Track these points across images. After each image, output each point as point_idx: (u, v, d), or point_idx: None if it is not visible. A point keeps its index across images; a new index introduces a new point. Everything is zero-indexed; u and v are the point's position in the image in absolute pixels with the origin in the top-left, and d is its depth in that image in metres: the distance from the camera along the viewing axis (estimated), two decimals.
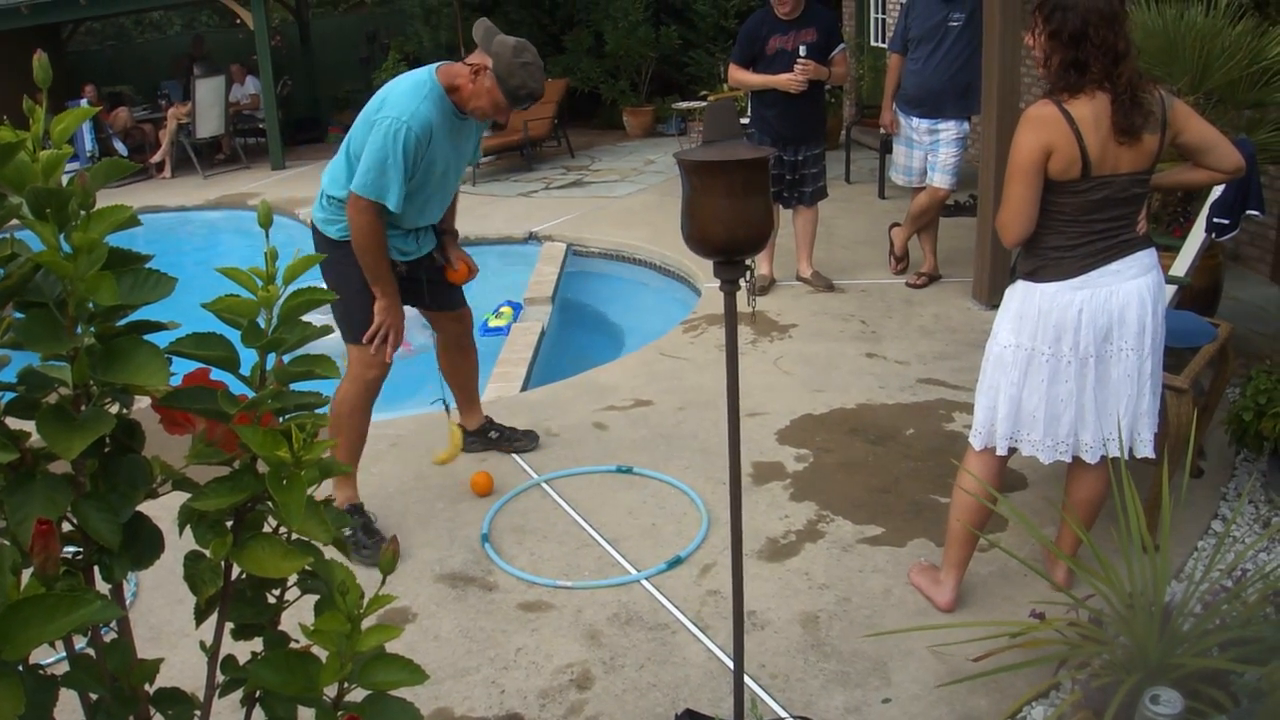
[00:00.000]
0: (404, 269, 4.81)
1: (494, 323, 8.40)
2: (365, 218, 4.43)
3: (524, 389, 6.77)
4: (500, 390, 6.70)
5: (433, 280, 5.05)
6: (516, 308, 8.53)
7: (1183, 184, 3.92)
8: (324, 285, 4.48)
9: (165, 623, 4.25)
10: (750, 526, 4.69)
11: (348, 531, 4.55)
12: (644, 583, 4.39)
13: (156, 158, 16.68)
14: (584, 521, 4.90)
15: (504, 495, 5.16)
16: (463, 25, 16.84)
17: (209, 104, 16.52)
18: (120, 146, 16.67)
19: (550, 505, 5.09)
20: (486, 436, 5.65)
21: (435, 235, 5.01)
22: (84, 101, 15.53)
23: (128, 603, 4.30)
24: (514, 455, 5.58)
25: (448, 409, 5.39)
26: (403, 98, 4.41)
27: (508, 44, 4.44)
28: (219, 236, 13.40)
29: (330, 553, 1.75)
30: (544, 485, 5.28)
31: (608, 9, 17.20)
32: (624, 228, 10.62)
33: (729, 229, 2.72)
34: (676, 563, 4.50)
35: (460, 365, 5.46)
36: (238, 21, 17.90)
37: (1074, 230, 3.52)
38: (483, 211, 12.01)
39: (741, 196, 2.69)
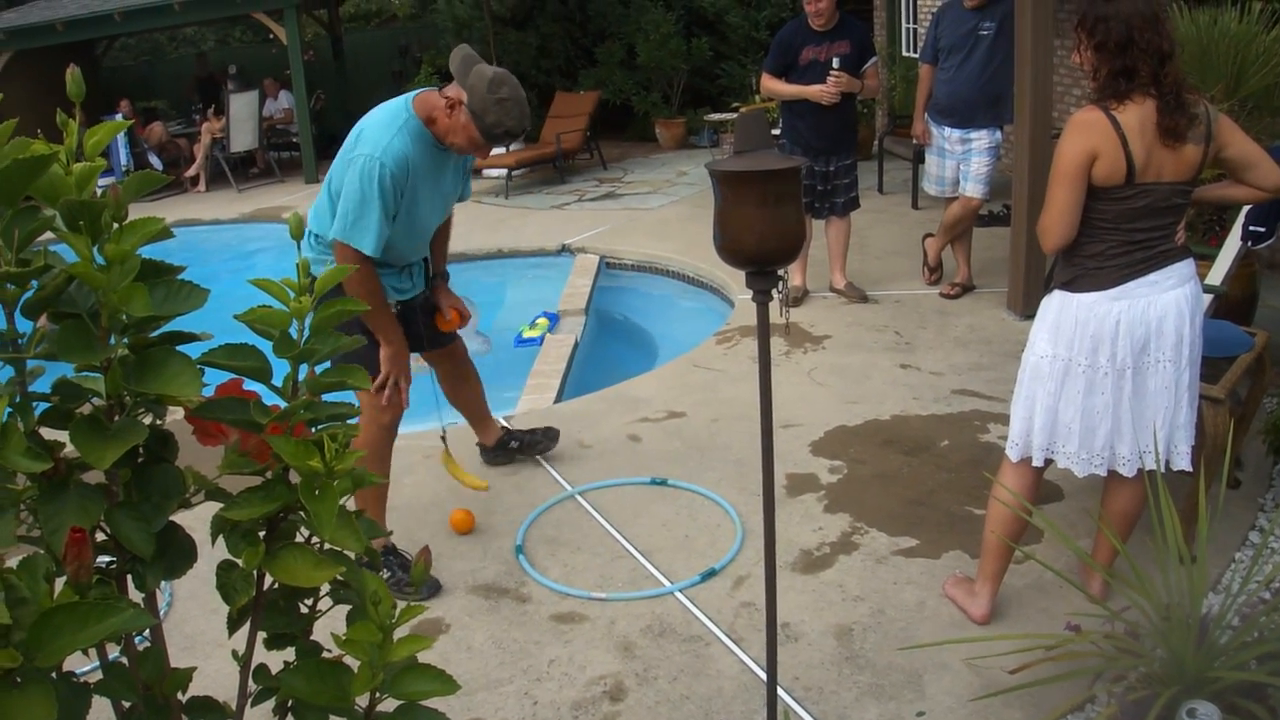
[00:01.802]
0: (398, 308, 4.60)
1: (528, 333, 8.41)
2: (352, 263, 4.09)
3: (557, 401, 6.78)
4: (534, 402, 6.71)
5: (426, 324, 4.83)
6: (552, 319, 8.54)
7: (1223, 199, 3.89)
8: None
9: (200, 632, 4.27)
10: (784, 538, 4.68)
11: (386, 574, 4.45)
12: (678, 595, 4.38)
13: (191, 172, 16.80)
14: (618, 533, 4.89)
15: (538, 507, 5.15)
16: (495, 40, 16.90)
17: (243, 119, 16.63)
18: (155, 161, 16.79)
19: (584, 517, 5.09)
20: (507, 448, 5.59)
21: (426, 271, 4.83)
22: (119, 116, 15.66)
23: (162, 612, 4.34)
24: (548, 467, 5.58)
25: (444, 438, 5.27)
26: (376, 131, 4.20)
27: (484, 76, 4.16)
28: (253, 250, 13.46)
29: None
30: (578, 497, 5.28)
31: (639, 21, 17.23)
32: (657, 239, 10.62)
33: (760, 239, 2.71)
34: (710, 575, 4.49)
35: (463, 391, 5.36)
36: (271, 37, 18.01)
37: (1113, 238, 3.50)
38: (516, 224, 12.04)
39: (773, 206, 2.68)
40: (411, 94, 4.37)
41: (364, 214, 4.13)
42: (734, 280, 8.51)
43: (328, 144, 17.55)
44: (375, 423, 4.51)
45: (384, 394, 4.42)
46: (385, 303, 4.41)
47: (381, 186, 4.11)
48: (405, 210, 4.27)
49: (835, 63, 7.39)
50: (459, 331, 5.07)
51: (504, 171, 14.02)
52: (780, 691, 3.69)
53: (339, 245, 4.18)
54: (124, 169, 15.67)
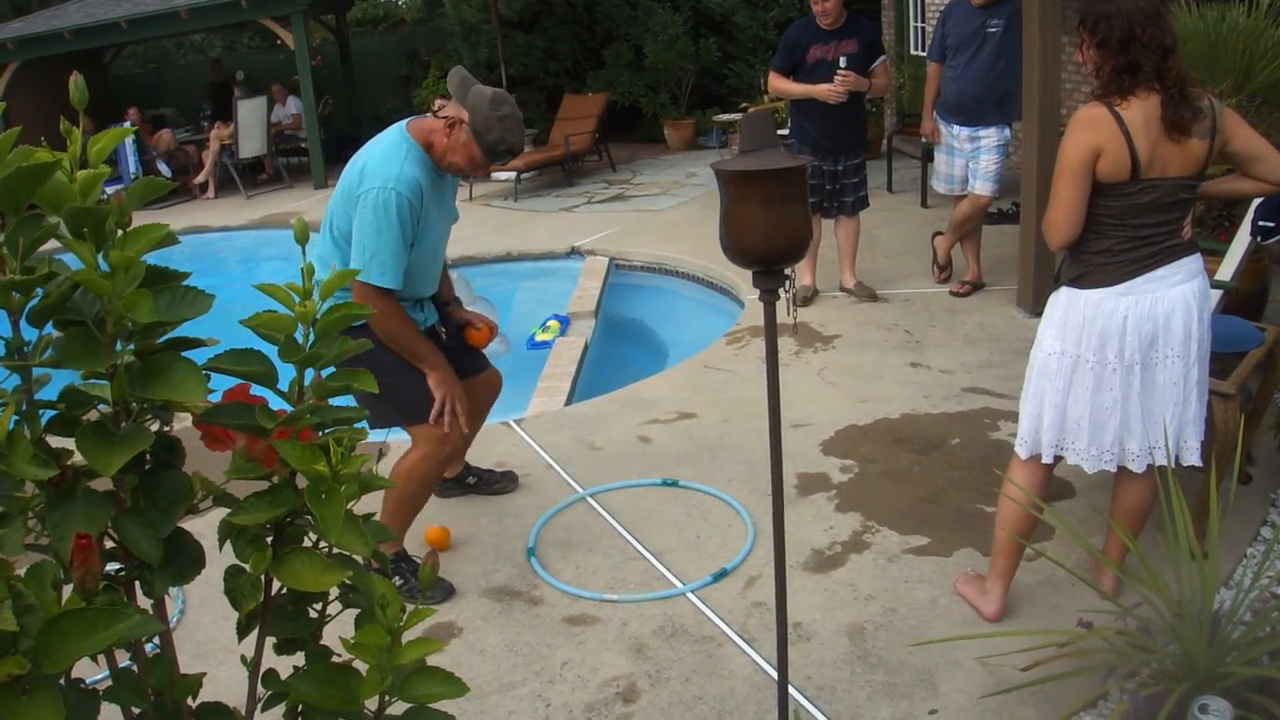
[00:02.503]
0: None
1: (540, 336, 8.41)
2: (376, 303, 4.05)
3: (568, 403, 6.78)
4: (544, 405, 6.71)
5: (453, 347, 4.69)
6: (564, 322, 8.54)
7: (1230, 193, 3.88)
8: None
9: (212, 639, 4.28)
10: (795, 538, 4.68)
11: (399, 581, 4.39)
12: (689, 595, 4.38)
13: (200, 179, 16.83)
14: (629, 535, 4.90)
15: (549, 510, 5.16)
16: (503, 43, 16.91)
17: (251, 125, 16.66)
18: (164, 168, 16.83)
19: (595, 519, 5.09)
20: (464, 483, 5.41)
21: (436, 305, 4.71)
22: (128, 124, 15.70)
23: (175, 619, 4.37)
24: (559, 469, 5.59)
25: (382, 454, 5.11)
26: (383, 163, 4.14)
27: (484, 95, 4.19)
28: (263, 256, 13.49)
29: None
30: (589, 499, 5.28)
31: (647, 23, 17.25)
32: (666, 241, 10.62)
33: (767, 238, 2.71)
34: (722, 575, 4.49)
35: (472, 426, 4.95)
36: (278, 42, 18.05)
37: (1120, 234, 3.50)
38: (525, 227, 12.05)
39: (779, 205, 2.67)
40: (402, 123, 4.35)
41: (381, 247, 4.08)
42: (744, 281, 8.50)
43: (336, 149, 17.68)
44: (436, 456, 4.42)
45: (444, 421, 4.32)
46: (415, 331, 4.35)
47: (400, 216, 4.08)
48: (419, 238, 4.23)
49: (843, 62, 7.38)
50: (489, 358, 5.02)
51: (512, 174, 14.02)
52: (793, 691, 3.69)
53: (358, 285, 4.06)
54: (133, 177, 15.69)
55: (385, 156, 4.18)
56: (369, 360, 4.26)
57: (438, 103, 4.37)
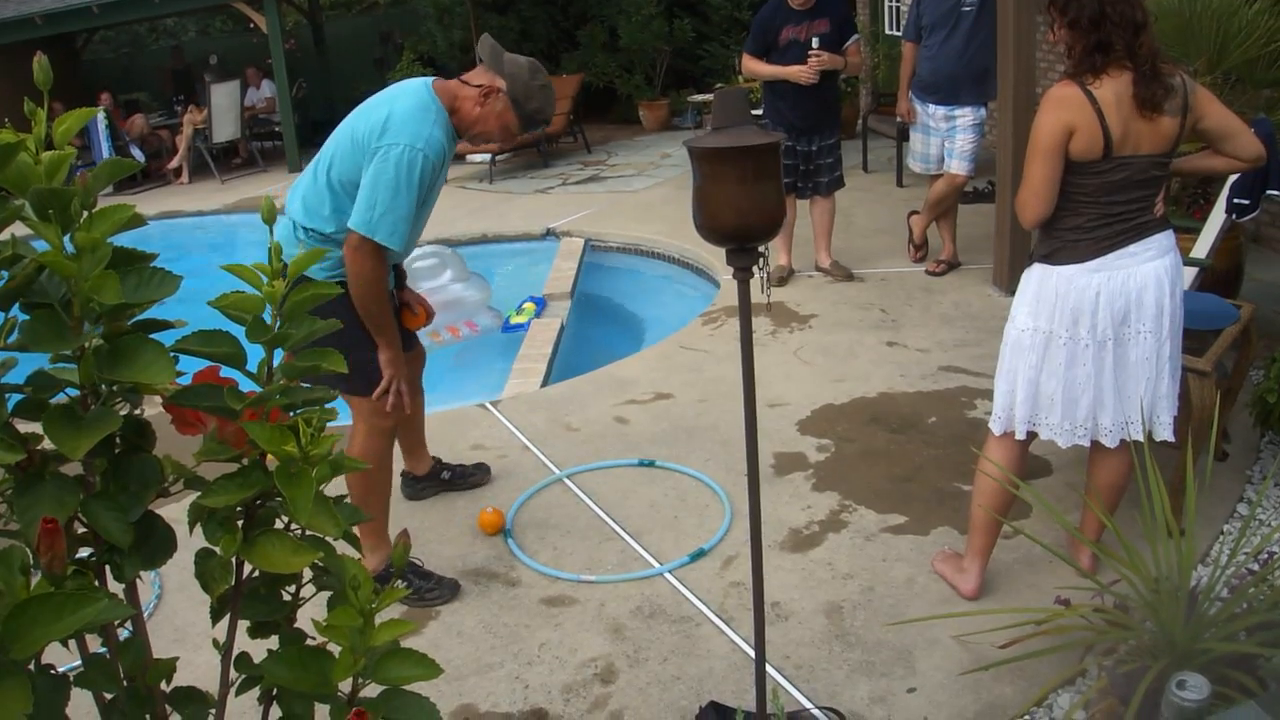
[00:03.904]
0: None
1: (516, 319, 8.39)
2: (370, 261, 3.96)
3: (544, 385, 6.77)
4: (520, 386, 6.70)
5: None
6: (539, 303, 8.52)
7: (1202, 170, 3.88)
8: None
9: (190, 624, 4.26)
10: (772, 517, 4.68)
11: (401, 582, 4.28)
12: (667, 576, 4.38)
13: (173, 163, 16.74)
14: (606, 516, 4.89)
15: (526, 491, 5.15)
16: (477, 24, 16.85)
17: (224, 109, 16.57)
18: (138, 153, 16.69)
19: (572, 500, 5.08)
20: (439, 479, 5.27)
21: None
22: (100, 109, 15.61)
23: (152, 605, 4.35)
24: (535, 450, 5.58)
25: None
26: (410, 121, 3.94)
27: (522, 64, 4.10)
28: (238, 241, 13.42)
29: (343, 548, 1.74)
30: (566, 480, 5.27)
31: (621, 3, 17.19)
32: (642, 221, 10.61)
33: (740, 215, 2.70)
34: (699, 555, 4.49)
35: (413, 407, 4.74)
36: (251, 26, 17.94)
37: (1092, 212, 3.50)
38: (500, 209, 12.02)
39: (752, 182, 2.67)
40: (428, 80, 4.16)
41: (395, 205, 3.90)
42: (719, 261, 8.49)
43: (310, 132, 17.58)
44: (377, 430, 4.30)
45: (387, 400, 4.20)
46: (390, 305, 4.21)
47: (422, 178, 3.93)
48: (423, 204, 4.09)
49: (814, 42, 7.38)
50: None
51: (487, 156, 13.98)
52: (771, 670, 3.70)
53: (356, 238, 3.92)
54: None
55: (413, 114, 3.98)
56: (329, 313, 4.14)
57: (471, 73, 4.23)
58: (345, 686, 1.67)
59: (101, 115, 15.66)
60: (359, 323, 4.07)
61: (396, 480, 4.98)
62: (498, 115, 4.12)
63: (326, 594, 1.78)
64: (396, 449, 4.69)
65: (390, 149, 3.89)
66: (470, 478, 5.31)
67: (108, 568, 1.61)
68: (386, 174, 3.88)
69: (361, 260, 3.93)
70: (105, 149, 15.78)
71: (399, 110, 3.98)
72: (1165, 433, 3.71)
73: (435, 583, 4.38)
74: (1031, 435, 3.79)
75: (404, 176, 3.89)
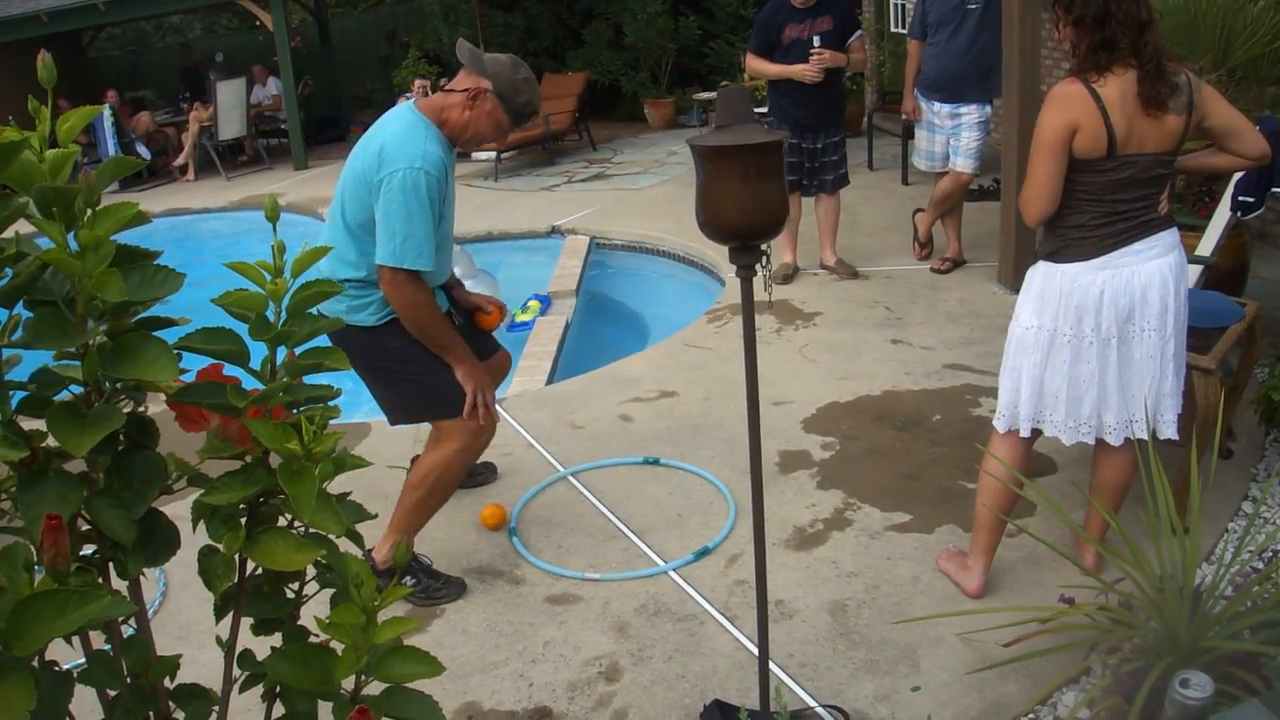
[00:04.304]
0: None
1: (521, 317, 8.39)
2: (410, 289, 3.96)
3: (549, 382, 6.77)
4: (526, 384, 6.70)
5: (465, 333, 4.40)
6: (544, 301, 8.53)
7: (1207, 168, 3.89)
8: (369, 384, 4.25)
9: (195, 621, 4.27)
10: (777, 515, 4.68)
11: (412, 581, 4.31)
12: (672, 574, 4.38)
13: (179, 161, 16.75)
14: (611, 513, 4.89)
15: (531, 489, 5.15)
16: (483, 22, 16.85)
17: (230, 106, 16.58)
18: (144, 151, 16.71)
19: (577, 498, 5.08)
20: None
21: (445, 290, 4.52)
22: (106, 106, 15.63)
23: (157, 602, 4.36)
24: (540, 448, 5.58)
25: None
26: (403, 145, 3.96)
27: (502, 61, 4.14)
28: (243, 238, 13.42)
29: (346, 545, 1.74)
30: (570, 478, 5.28)
31: (626, 1, 17.17)
32: (647, 219, 10.60)
33: (743, 213, 2.70)
34: (704, 553, 4.49)
35: None
36: (258, 23, 17.95)
37: (1097, 210, 3.50)
38: (506, 207, 12.02)
39: (755, 180, 2.67)
40: (409, 103, 4.19)
41: (413, 229, 3.90)
42: (724, 258, 8.43)
43: (316, 130, 17.61)
44: (471, 448, 4.29)
45: (479, 413, 4.17)
46: (444, 320, 4.18)
47: (429, 196, 3.92)
48: (441, 219, 4.08)
49: (816, 41, 7.38)
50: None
51: (492, 154, 13.97)
52: (775, 668, 3.70)
53: (389, 272, 3.93)
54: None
55: (404, 137, 4.00)
56: (402, 357, 4.07)
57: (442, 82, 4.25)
58: (348, 684, 1.68)
59: (108, 112, 15.68)
60: (423, 348, 4.11)
61: (389, 477, 4.92)
62: (488, 114, 4.14)
63: (329, 591, 1.78)
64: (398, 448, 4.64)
65: (392, 177, 3.90)
66: (478, 476, 5.32)
67: (111, 565, 1.61)
68: (395, 201, 3.90)
69: (401, 291, 3.95)
70: (111, 146, 15.78)
71: (389, 138, 4.01)
72: (1170, 431, 3.71)
73: (444, 582, 4.38)
74: (1036, 433, 3.79)
75: (412, 199, 3.89)
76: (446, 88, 4.20)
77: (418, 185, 3.90)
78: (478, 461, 5.25)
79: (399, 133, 4.02)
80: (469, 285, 8.33)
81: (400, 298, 3.97)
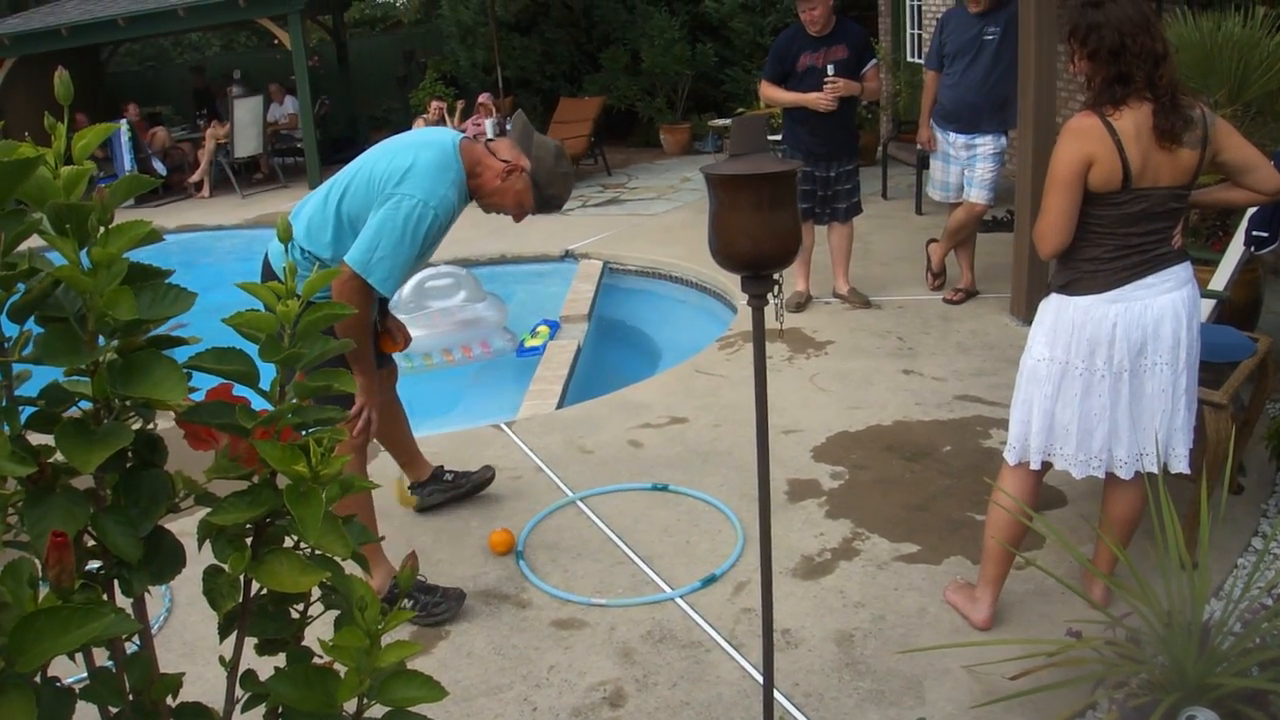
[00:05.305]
0: None
1: (530, 342, 8.41)
2: (357, 297, 3.94)
3: (559, 407, 6.77)
4: (536, 408, 6.70)
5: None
6: (553, 326, 8.54)
7: (1221, 202, 3.88)
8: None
9: (200, 639, 4.26)
10: (785, 544, 4.67)
11: (408, 602, 4.26)
12: (678, 601, 4.37)
13: (195, 177, 16.81)
14: (618, 539, 4.88)
15: (539, 513, 5.15)
16: (499, 45, 16.90)
17: (247, 124, 16.66)
18: (159, 166, 16.78)
19: (585, 523, 5.08)
20: (443, 482, 5.29)
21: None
22: (124, 121, 15.71)
23: (162, 619, 4.35)
24: (549, 472, 5.58)
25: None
26: (428, 177, 3.98)
27: (549, 148, 4.21)
28: (257, 256, 13.43)
29: (351, 568, 1.74)
30: (579, 503, 5.27)
31: (644, 27, 17.25)
32: (661, 245, 10.61)
33: (755, 243, 2.71)
34: (711, 581, 4.48)
35: (395, 427, 5.06)
36: (275, 42, 18.05)
37: (1110, 243, 3.50)
38: (519, 230, 11.91)
39: (768, 210, 2.67)
40: (457, 137, 4.19)
41: (396, 254, 3.94)
42: (737, 286, 8.49)
43: (332, 149, 17.64)
44: (347, 449, 4.13)
45: (356, 426, 4.15)
46: (369, 336, 4.25)
47: (427, 233, 3.98)
48: (420, 255, 4.11)
49: (830, 70, 7.39)
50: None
51: None
52: (780, 697, 3.68)
53: (349, 272, 3.93)
54: (127, 175, 15.68)
55: (434, 170, 4.02)
56: None
57: (496, 144, 4.25)
58: (350, 707, 1.68)
59: (125, 128, 15.75)
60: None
61: (380, 497, 4.96)
62: (516, 193, 4.20)
63: (334, 613, 1.78)
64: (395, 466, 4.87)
65: (404, 199, 3.94)
66: (474, 476, 5.33)
67: (116, 582, 1.61)
68: (394, 222, 3.93)
69: (349, 295, 3.92)
70: (127, 161, 15.86)
71: (422, 162, 4.02)
72: (1180, 465, 3.70)
73: (440, 595, 4.36)
74: (1046, 466, 3.78)
75: (410, 229, 3.94)
76: (491, 147, 4.23)
77: (422, 219, 3.94)
78: (472, 470, 5.37)
79: (431, 162, 4.03)
80: (479, 308, 8.38)
81: (345, 298, 3.90)
